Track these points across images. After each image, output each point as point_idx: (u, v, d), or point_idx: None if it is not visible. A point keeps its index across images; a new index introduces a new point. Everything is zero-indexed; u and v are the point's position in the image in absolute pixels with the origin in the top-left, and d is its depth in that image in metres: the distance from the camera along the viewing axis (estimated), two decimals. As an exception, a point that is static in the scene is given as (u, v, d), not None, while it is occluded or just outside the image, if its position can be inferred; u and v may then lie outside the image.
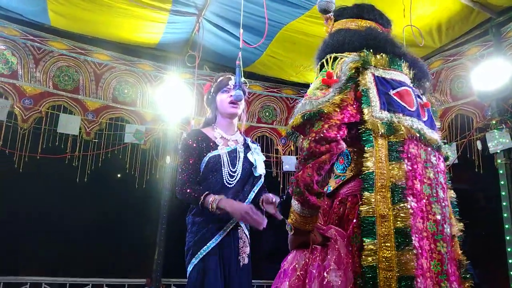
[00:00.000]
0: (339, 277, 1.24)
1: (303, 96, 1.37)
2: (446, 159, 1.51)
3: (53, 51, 4.06)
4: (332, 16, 1.60)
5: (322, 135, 1.23)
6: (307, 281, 1.30)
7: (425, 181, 1.32)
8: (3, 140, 3.74)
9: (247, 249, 2.14)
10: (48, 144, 3.92)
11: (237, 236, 2.12)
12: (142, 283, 4.27)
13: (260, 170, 2.21)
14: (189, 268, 2.06)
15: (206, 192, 2.02)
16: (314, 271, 1.30)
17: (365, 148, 1.30)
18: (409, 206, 1.24)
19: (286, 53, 4.26)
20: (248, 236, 2.17)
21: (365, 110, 1.31)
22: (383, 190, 1.25)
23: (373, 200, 1.24)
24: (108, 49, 4.28)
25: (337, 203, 1.41)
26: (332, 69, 1.36)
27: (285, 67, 4.58)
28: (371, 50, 1.40)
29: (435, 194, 1.32)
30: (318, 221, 1.36)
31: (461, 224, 1.49)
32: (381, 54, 1.40)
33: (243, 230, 2.15)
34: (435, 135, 1.43)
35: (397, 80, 1.39)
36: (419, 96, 1.47)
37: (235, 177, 2.14)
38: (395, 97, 1.35)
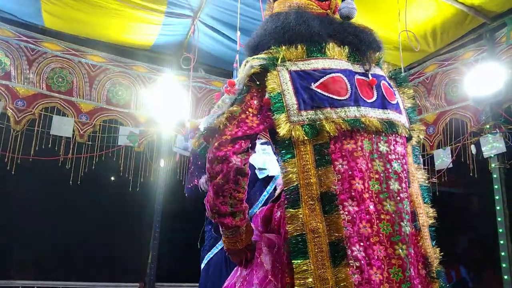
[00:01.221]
0: None
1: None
2: (409, 138, 1.30)
3: (47, 53, 4.02)
4: None
5: (212, 154, 1.16)
6: None
7: (371, 176, 1.15)
8: (-4, 142, 3.71)
9: None
10: (41, 146, 3.88)
11: None
12: (136, 286, 4.24)
13: (273, 171, 2.18)
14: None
15: None
16: None
17: (283, 161, 1.15)
18: (345, 213, 1.10)
19: (282, 56, 4.25)
20: None
21: (279, 118, 1.15)
22: (312, 202, 1.10)
23: (300, 215, 1.10)
24: (102, 50, 4.25)
25: (276, 207, 1.32)
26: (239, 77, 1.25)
27: (280, 70, 4.57)
28: (286, 45, 1.24)
29: (385, 189, 1.15)
30: (249, 238, 1.27)
31: (432, 210, 1.32)
32: (297, 45, 1.23)
33: None
34: (389, 115, 1.24)
35: (319, 69, 1.20)
36: (363, 74, 1.26)
37: None
38: (318, 90, 1.17)
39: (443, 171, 3.89)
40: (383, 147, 1.20)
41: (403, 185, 1.20)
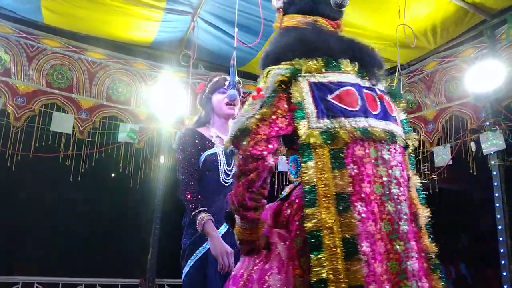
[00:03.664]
0: (279, 281, 1.27)
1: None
2: (406, 147, 1.44)
3: (47, 49, 4.02)
4: (281, 8, 1.55)
5: (248, 152, 1.24)
6: (249, 284, 1.34)
7: (376, 180, 1.28)
8: (-4, 139, 3.71)
9: None
10: (41, 143, 3.89)
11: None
12: (136, 283, 4.25)
13: None
14: (185, 270, 2.06)
15: (201, 209, 2.02)
16: (255, 275, 1.35)
17: (303, 162, 1.26)
18: (356, 213, 1.22)
19: (281, 53, 4.24)
20: None
21: (300, 124, 1.27)
22: (328, 201, 1.22)
23: (317, 213, 1.22)
24: (102, 47, 4.25)
25: (286, 205, 1.42)
26: (265, 83, 1.35)
27: (280, 67, 4.57)
28: (305, 57, 1.35)
29: (387, 192, 1.29)
30: (262, 229, 1.38)
31: (428, 210, 1.44)
32: (316, 58, 1.35)
33: None
34: (390, 126, 1.38)
35: (335, 82, 1.34)
36: (370, 89, 1.41)
37: (231, 175, 2.14)
38: (334, 101, 1.31)
39: (442, 168, 3.90)
40: (386, 155, 1.33)
41: (402, 189, 1.33)
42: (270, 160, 1.25)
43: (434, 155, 3.97)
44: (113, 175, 5.65)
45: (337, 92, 1.32)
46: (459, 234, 7.56)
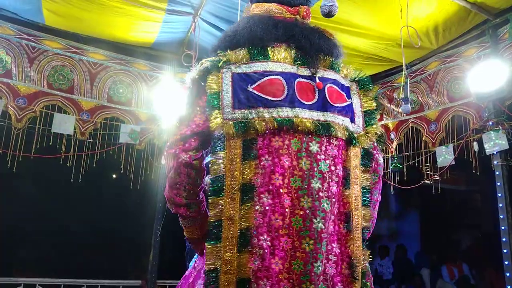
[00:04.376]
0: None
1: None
2: (349, 141, 1.33)
3: (48, 50, 4.02)
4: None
5: (166, 152, 1.30)
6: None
7: (295, 173, 1.22)
8: (-3, 140, 3.71)
9: None
10: (42, 144, 3.89)
11: None
12: (137, 284, 4.24)
13: None
14: None
15: None
16: (190, 279, 1.39)
17: (213, 153, 1.25)
18: (259, 205, 1.20)
19: (283, 53, 4.23)
20: None
21: (212, 115, 1.24)
22: (234, 192, 1.21)
23: (221, 203, 1.21)
24: (103, 48, 4.24)
25: None
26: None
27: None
28: (236, 48, 1.32)
29: (305, 187, 1.22)
30: (206, 228, 1.35)
31: (369, 213, 1.35)
32: (242, 49, 1.31)
33: None
34: (328, 117, 1.29)
35: (260, 71, 1.28)
36: (308, 77, 1.31)
37: None
38: (254, 91, 1.25)
39: (445, 168, 3.88)
40: (313, 147, 1.26)
41: (326, 184, 1.26)
42: (183, 157, 1.25)
43: (437, 155, 3.96)
44: (114, 176, 5.65)
45: (259, 82, 1.26)
46: (461, 235, 7.54)
